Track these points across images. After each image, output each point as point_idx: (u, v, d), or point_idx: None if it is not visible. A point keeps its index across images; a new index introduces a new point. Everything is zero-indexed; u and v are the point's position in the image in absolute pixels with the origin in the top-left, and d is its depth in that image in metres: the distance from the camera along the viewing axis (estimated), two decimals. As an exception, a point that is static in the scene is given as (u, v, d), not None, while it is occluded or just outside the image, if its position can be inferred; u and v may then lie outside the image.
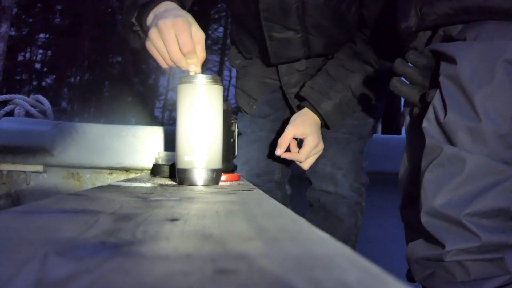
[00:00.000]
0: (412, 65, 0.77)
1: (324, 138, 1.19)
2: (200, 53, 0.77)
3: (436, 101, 0.71)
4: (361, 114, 1.20)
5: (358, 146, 1.23)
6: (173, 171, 0.76)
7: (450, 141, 0.70)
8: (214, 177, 0.74)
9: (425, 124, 0.73)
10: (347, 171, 1.21)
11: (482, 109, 0.66)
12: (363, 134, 1.24)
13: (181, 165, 0.73)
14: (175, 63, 0.77)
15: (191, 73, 0.77)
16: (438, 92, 0.71)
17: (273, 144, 1.17)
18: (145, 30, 0.83)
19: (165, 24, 0.74)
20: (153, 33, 0.76)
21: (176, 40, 0.74)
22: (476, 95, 0.67)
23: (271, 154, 1.13)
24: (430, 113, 0.72)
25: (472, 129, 0.67)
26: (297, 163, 1.13)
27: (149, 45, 0.79)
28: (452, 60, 0.70)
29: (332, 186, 1.21)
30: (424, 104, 0.75)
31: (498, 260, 0.67)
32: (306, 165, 1.13)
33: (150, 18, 0.80)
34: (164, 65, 0.79)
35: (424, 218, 0.71)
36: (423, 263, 0.74)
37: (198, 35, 0.76)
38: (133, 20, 0.86)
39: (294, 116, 1.14)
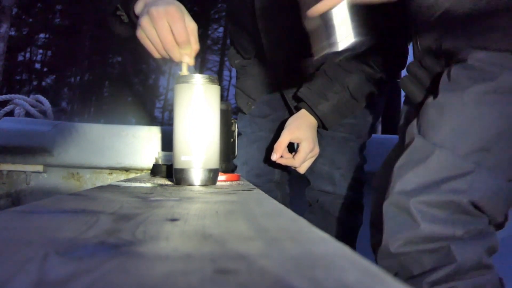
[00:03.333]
0: (425, 68, 0.79)
1: (322, 137, 1.18)
2: (194, 44, 0.75)
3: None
4: (360, 113, 1.20)
5: (356, 145, 1.23)
6: (171, 171, 0.76)
7: (423, 136, 0.73)
8: (211, 177, 0.74)
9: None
10: (345, 171, 1.21)
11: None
12: (362, 133, 1.23)
13: (178, 165, 0.73)
14: (168, 53, 0.75)
15: (184, 65, 0.76)
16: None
17: (273, 145, 1.17)
18: (131, 17, 0.81)
19: (158, 12, 0.72)
20: (144, 20, 0.74)
21: (170, 29, 0.72)
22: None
23: (271, 155, 1.13)
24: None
25: (445, 137, 0.71)
26: (293, 168, 1.13)
27: (140, 33, 0.76)
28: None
29: (330, 185, 1.21)
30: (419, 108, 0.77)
31: (444, 249, 0.67)
32: (302, 170, 1.13)
33: (139, 6, 0.78)
34: (156, 54, 0.77)
35: (384, 208, 0.72)
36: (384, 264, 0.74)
37: (191, 25, 0.75)
38: (119, 4, 0.84)
39: (290, 120, 1.13)
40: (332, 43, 0.61)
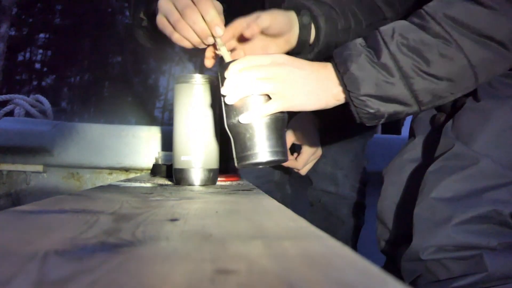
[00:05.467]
0: None
1: (324, 137, 1.18)
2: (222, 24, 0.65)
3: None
4: None
5: (359, 145, 1.23)
6: (171, 171, 0.76)
7: (463, 143, 0.72)
8: (211, 177, 0.74)
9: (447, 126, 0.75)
10: (348, 171, 1.21)
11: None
12: (364, 133, 1.23)
13: (178, 165, 0.73)
14: (202, 37, 0.65)
15: (220, 49, 0.67)
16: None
17: None
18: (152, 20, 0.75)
19: None
20: (164, 2, 0.65)
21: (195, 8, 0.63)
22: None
23: None
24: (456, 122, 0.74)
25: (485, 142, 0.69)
26: (295, 169, 1.13)
27: (160, 19, 0.66)
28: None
29: (332, 186, 1.21)
30: (452, 111, 0.76)
31: (476, 257, 0.67)
32: (303, 171, 1.12)
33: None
34: (184, 42, 0.66)
35: (417, 212, 0.71)
36: (408, 266, 0.73)
37: (217, 5, 0.66)
38: (142, 15, 0.81)
39: (291, 121, 1.13)
40: (255, 154, 0.60)
